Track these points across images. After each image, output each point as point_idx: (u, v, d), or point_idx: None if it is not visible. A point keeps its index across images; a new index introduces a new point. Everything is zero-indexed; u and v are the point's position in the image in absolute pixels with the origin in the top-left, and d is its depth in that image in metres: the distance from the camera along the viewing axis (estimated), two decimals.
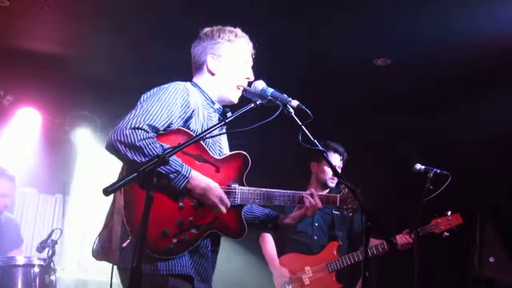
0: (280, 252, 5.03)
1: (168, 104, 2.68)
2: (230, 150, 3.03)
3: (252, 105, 2.68)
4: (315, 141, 2.69)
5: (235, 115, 2.63)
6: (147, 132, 2.56)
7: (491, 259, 6.11)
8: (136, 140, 2.52)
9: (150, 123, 2.59)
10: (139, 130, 2.55)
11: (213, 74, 3.00)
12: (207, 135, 2.63)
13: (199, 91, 2.97)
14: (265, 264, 5.15)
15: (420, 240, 4.56)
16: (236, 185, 2.87)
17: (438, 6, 4.76)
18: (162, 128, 2.64)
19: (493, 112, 5.82)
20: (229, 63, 3.01)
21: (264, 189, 2.96)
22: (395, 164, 7.07)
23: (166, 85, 2.80)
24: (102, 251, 2.71)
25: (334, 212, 5.11)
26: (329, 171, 5.06)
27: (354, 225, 5.17)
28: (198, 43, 3.06)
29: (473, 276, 6.19)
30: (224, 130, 2.95)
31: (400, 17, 4.99)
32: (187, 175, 2.61)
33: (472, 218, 6.21)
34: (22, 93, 6.94)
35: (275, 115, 2.62)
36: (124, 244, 2.58)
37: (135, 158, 2.52)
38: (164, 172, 2.54)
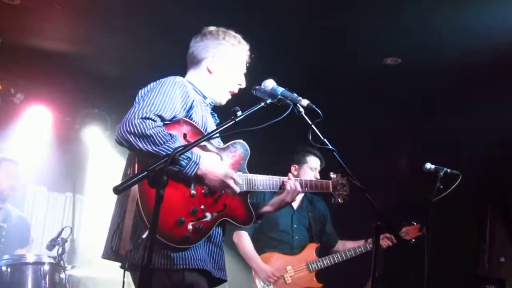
0: (259, 250, 5.02)
1: (169, 95, 2.71)
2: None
3: (262, 104, 2.68)
4: (325, 140, 2.67)
5: (245, 114, 2.61)
6: (155, 121, 2.58)
7: (502, 259, 6.07)
8: (146, 129, 2.53)
9: (157, 113, 2.61)
10: (148, 120, 2.56)
11: (210, 73, 3.06)
12: (217, 134, 2.62)
13: (191, 86, 3.00)
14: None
15: (429, 239, 4.54)
16: (240, 173, 2.90)
17: (449, 6, 4.74)
18: (168, 119, 2.66)
19: (508, 112, 5.75)
20: (227, 66, 3.08)
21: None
22: (404, 163, 7.05)
23: (163, 79, 2.83)
24: (112, 250, 2.70)
25: (309, 214, 5.18)
26: (310, 173, 5.09)
27: (326, 227, 5.28)
28: (200, 39, 3.12)
29: (483, 275, 6.15)
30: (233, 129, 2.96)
31: (411, 15, 4.97)
32: (198, 161, 2.63)
33: (482, 217, 6.17)
34: (32, 91, 6.96)
35: (285, 114, 2.62)
36: (144, 236, 2.56)
37: (147, 147, 2.52)
38: None
